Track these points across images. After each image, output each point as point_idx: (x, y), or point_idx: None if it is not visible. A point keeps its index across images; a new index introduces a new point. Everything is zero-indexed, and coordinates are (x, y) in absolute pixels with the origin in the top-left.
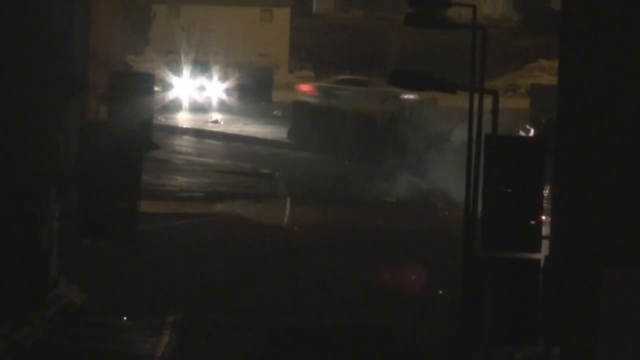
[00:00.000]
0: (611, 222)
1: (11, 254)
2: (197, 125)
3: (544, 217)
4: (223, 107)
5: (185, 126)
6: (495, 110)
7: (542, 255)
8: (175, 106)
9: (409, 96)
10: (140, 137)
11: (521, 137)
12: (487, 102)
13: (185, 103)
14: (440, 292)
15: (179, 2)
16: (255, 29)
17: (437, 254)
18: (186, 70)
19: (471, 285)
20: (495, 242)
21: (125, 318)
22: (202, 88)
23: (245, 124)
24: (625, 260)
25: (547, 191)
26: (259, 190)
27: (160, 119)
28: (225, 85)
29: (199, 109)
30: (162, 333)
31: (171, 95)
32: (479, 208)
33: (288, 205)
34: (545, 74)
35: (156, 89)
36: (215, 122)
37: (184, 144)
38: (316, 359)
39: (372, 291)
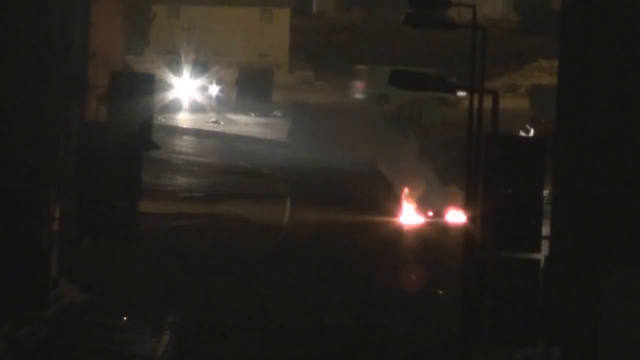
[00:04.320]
0: (611, 222)
1: (11, 254)
2: (197, 126)
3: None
4: (223, 107)
5: (185, 126)
6: (495, 110)
7: (542, 255)
8: (175, 106)
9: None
10: (140, 137)
11: (521, 137)
12: (487, 102)
13: (185, 103)
14: (441, 292)
15: (179, 2)
16: (255, 29)
17: (437, 254)
18: (186, 70)
19: (471, 286)
20: (495, 242)
21: (125, 318)
22: (203, 88)
23: (246, 124)
24: (625, 260)
25: (547, 191)
26: (259, 190)
27: (160, 119)
28: (225, 85)
29: (199, 109)
30: (162, 333)
31: (171, 95)
32: (479, 208)
33: (288, 205)
34: (545, 74)
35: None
36: (216, 122)
37: (184, 144)
38: (316, 359)
39: (371, 291)
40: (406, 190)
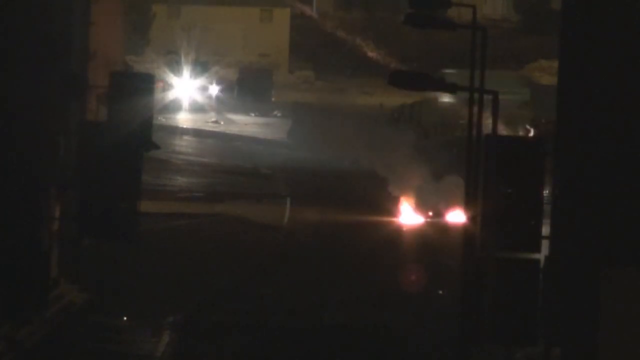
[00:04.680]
0: (610, 222)
1: (11, 254)
2: (197, 125)
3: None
4: (223, 107)
5: (185, 126)
6: (495, 110)
7: (542, 255)
8: (175, 106)
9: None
10: (140, 137)
11: (521, 137)
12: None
13: (185, 103)
14: (440, 292)
15: (179, 2)
16: (255, 29)
17: (437, 254)
18: (186, 70)
19: (471, 285)
20: (495, 242)
21: (125, 318)
22: (203, 88)
23: (246, 124)
24: (625, 260)
25: (547, 191)
26: (259, 190)
27: (160, 119)
28: (225, 86)
29: (199, 109)
30: (162, 333)
31: (171, 95)
32: (479, 208)
33: (288, 205)
34: (545, 74)
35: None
36: (216, 122)
37: (184, 144)
38: (316, 359)
39: (371, 291)
40: (406, 190)
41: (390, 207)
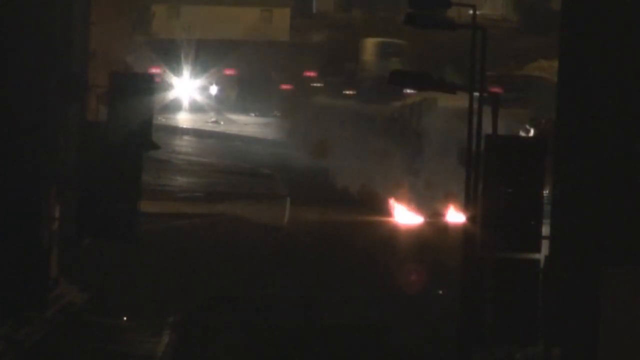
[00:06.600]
0: (610, 221)
1: (11, 254)
2: (197, 126)
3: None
4: (223, 107)
5: (185, 126)
6: (495, 110)
7: (542, 255)
8: (175, 106)
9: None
10: (140, 137)
11: (521, 137)
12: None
13: (185, 103)
14: (440, 292)
15: (179, 2)
16: (255, 29)
17: (436, 254)
18: (186, 70)
19: (471, 285)
20: (495, 242)
21: (125, 318)
22: (203, 88)
23: (246, 124)
24: (624, 260)
25: (547, 191)
26: (259, 190)
27: (160, 119)
28: (225, 85)
29: (199, 109)
30: (162, 333)
31: (171, 95)
32: (479, 208)
33: (288, 205)
34: (545, 74)
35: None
36: (215, 122)
37: (184, 144)
38: (316, 358)
39: (371, 291)
40: (406, 190)
41: (390, 207)
